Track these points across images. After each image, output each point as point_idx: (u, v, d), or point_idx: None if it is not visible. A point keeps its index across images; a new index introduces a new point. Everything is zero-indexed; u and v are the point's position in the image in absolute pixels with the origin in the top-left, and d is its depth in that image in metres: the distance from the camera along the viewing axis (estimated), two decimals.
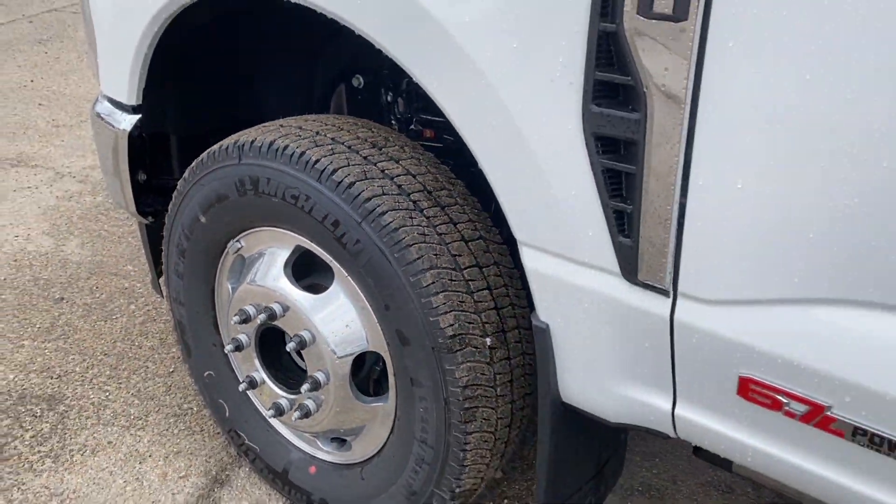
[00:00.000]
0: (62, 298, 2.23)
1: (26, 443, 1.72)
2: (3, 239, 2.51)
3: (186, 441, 1.75)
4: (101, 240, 2.54)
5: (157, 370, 1.96)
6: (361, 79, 1.72)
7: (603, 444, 1.28)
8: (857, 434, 0.84)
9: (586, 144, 0.90)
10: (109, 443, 1.73)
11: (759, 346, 0.87)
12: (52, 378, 1.91)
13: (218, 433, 1.76)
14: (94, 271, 2.37)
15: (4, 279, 2.30)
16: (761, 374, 0.88)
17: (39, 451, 1.70)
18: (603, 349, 1.01)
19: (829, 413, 0.85)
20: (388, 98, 1.68)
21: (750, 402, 0.91)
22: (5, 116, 3.51)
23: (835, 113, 0.74)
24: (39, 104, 3.66)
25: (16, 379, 1.91)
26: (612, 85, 0.87)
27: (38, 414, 1.80)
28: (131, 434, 1.76)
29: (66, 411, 1.81)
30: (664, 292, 0.92)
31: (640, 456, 1.77)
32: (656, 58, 0.82)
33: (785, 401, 0.87)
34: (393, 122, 1.67)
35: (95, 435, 1.75)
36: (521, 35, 0.91)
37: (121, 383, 1.91)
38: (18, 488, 1.60)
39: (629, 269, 0.93)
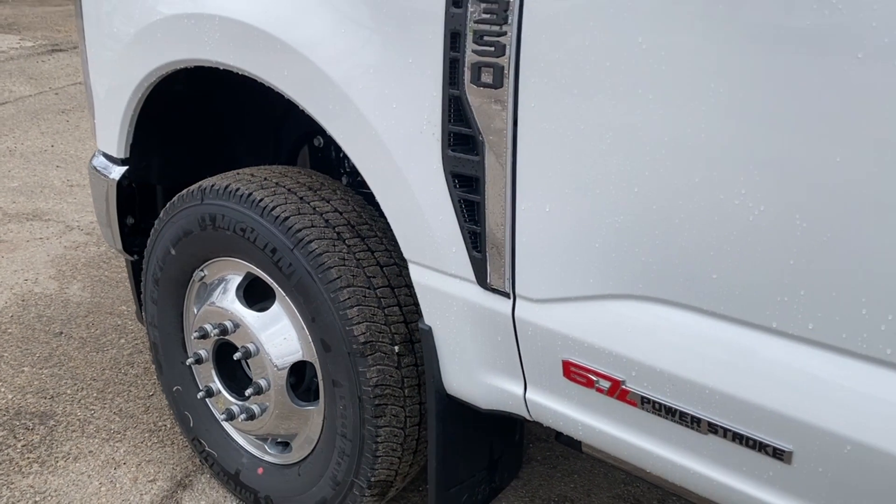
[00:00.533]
0: (61, 332, 2.50)
1: (18, 450, 1.96)
2: (13, 282, 2.80)
3: (158, 452, 1.98)
4: (100, 284, 2.83)
5: (139, 393, 2.21)
6: (321, 139, 2.03)
7: (495, 438, 1.51)
8: (644, 402, 1.08)
9: (446, 181, 1.18)
10: (90, 452, 1.97)
11: (572, 335, 1.12)
12: (45, 398, 2.17)
13: (186, 446, 1.99)
14: (91, 310, 2.64)
15: (12, 315, 2.58)
16: (577, 357, 1.12)
17: (28, 458, 1.94)
18: (470, 345, 1.26)
19: (623, 386, 1.09)
20: (339, 154, 1.97)
21: (572, 381, 1.15)
22: (26, 177, 3.87)
23: (612, 153, 1.01)
24: (57, 166, 4.03)
25: (14, 398, 2.16)
26: (460, 135, 1.14)
27: (31, 427, 2.05)
28: (110, 445, 2.00)
29: (55, 425, 2.06)
30: (506, 295, 1.17)
31: (561, 472, 1.98)
32: (486, 114, 1.10)
33: (595, 378, 1.12)
34: (343, 174, 1.96)
35: (78, 445, 1.99)
36: (399, 98, 1.20)
37: (105, 403, 2.16)
38: (8, 487, 1.84)
39: (482, 277, 1.19)
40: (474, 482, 1.50)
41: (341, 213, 1.51)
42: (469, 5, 1.07)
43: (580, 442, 1.27)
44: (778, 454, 0.96)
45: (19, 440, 2.00)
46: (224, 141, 2.05)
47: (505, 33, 1.04)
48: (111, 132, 1.80)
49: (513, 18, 1.03)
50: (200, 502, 1.83)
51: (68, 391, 2.21)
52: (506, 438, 1.54)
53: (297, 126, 2.06)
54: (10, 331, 2.49)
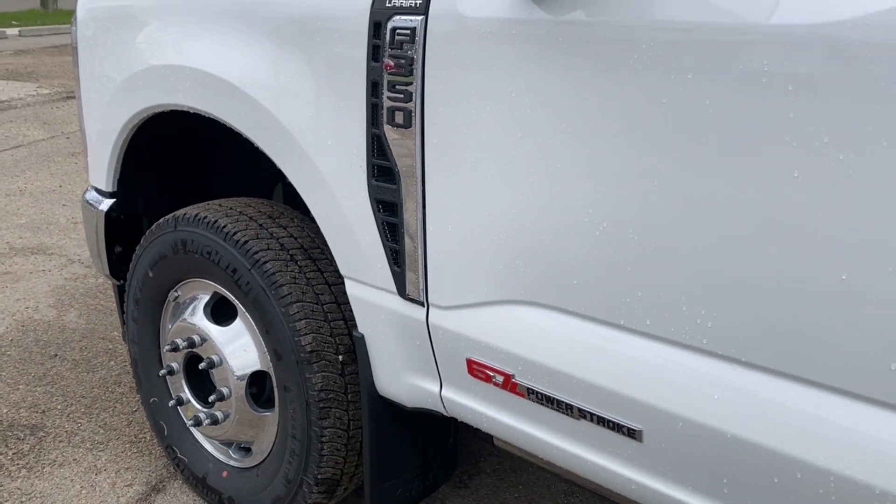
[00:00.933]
0: (56, 355, 2.70)
1: (9, 458, 2.15)
2: (15, 309, 3.01)
3: (136, 460, 2.16)
4: (96, 312, 3.03)
5: (123, 409, 2.39)
6: None
7: (428, 438, 1.68)
8: (530, 393, 1.26)
9: (371, 206, 1.38)
10: (74, 459, 2.15)
11: (473, 336, 1.30)
12: (37, 412, 2.36)
13: (162, 455, 2.17)
14: (85, 335, 2.84)
15: (11, 339, 2.78)
16: (477, 356, 1.31)
17: (18, 464, 2.12)
18: (395, 349, 1.45)
19: (513, 380, 1.27)
20: None
21: (475, 378, 1.33)
22: (33, 214, 4.12)
23: (496, 182, 1.21)
24: (63, 205, 4.28)
25: (8, 412, 2.35)
26: (381, 167, 1.35)
27: (22, 437, 2.23)
28: (93, 454, 2.18)
29: (44, 436, 2.24)
30: (421, 303, 1.37)
31: (507, 483, 2.13)
32: (400, 149, 1.31)
33: (491, 374, 1.30)
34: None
35: (64, 454, 2.17)
36: (333, 136, 1.41)
37: (91, 418, 2.34)
38: None
39: (401, 288, 1.38)
40: (408, 479, 1.67)
41: (296, 238, 1.71)
42: (384, 60, 1.28)
43: (492, 436, 1.44)
44: (631, 433, 1.14)
45: (10, 448, 2.18)
46: (205, 176, 2.28)
47: (411, 83, 1.25)
48: (101, 168, 2.02)
49: (417, 71, 1.24)
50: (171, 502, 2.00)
51: (58, 406, 2.39)
52: (439, 440, 1.72)
53: (272, 164, 2.28)
54: (8, 353, 2.69)
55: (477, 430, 1.46)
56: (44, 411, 2.37)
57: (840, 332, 0.93)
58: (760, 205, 0.96)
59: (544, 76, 1.11)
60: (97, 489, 2.04)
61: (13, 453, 2.16)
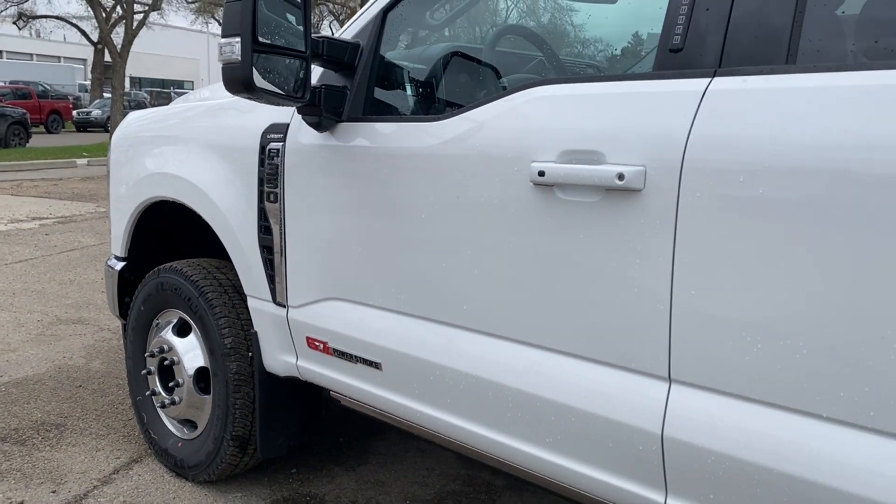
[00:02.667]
0: (80, 386, 3.66)
1: (39, 441, 3.07)
2: (55, 358, 4.02)
3: (126, 444, 3.07)
4: (115, 362, 4.01)
5: (123, 418, 3.32)
6: None
7: (303, 408, 2.57)
8: (336, 353, 2.17)
9: (259, 251, 2.36)
10: (83, 443, 3.07)
11: (309, 322, 2.24)
12: (61, 417, 3.30)
13: (143, 441, 3.07)
14: (105, 375, 3.81)
15: (50, 376, 3.77)
16: (311, 334, 2.24)
17: (45, 444, 3.04)
18: (273, 338, 2.38)
19: (328, 345, 2.19)
20: None
21: (311, 349, 2.25)
22: (78, 297, 5.20)
23: (318, 233, 2.19)
24: (102, 291, 5.37)
25: (41, 416, 3.30)
26: (264, 226, 2.34)
27: (49, 430, 3.17)
28: (96, 441, 3.09)
29: (64, 430, 3.17)
30: (284, 306, 2.31)
31: (377, 462, 2.97)
32: (273, 216, 2.30)
33: (318, 344, 2.22)
34: None
35: (77, 440, 3.09)
36: (241, 209, 2.41)
37: (100, 422, 3.27)
38: (31, 455, 2.94)
39: (274, 298, 2.34)
40: (288, 433, 2.55)
41: (229, 279, 2.69)
42: (265, 166, 2.30)
43: (329, 392, 2.34)
44: (377, 365, 2.05)
45: (41, 436, 3.12)
46: (192, 246, 3.30)
47: (277, 178, 2.26)
48: (118, 241, 3.07)
49: (280, 172, 2.25)
50: (144, 468, 2.89)
51: (77, 414, 3.34)
52: (312, 411, 2.60)
53: None
54: (46, 384, 3.67)
55: (327, 398, 2.36)
56: (66, 417, 3.31)
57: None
58: (400, 230, 1.91)
59: (335, 172, 2.11)
60: (96, 459, 2.94)
61: (41, 438, 3.10)
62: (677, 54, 1.49)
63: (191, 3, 35.36)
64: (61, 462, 2.92)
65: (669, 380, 1.47)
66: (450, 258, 1.84)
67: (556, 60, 2.51)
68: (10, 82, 33.36)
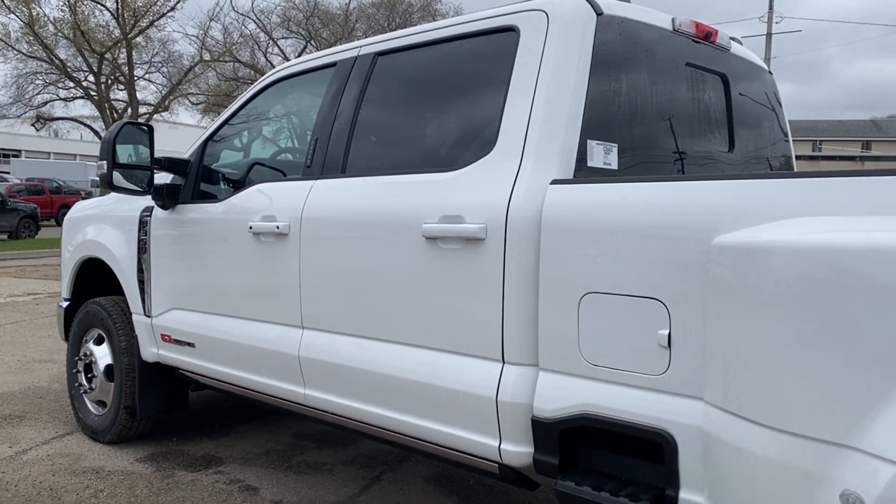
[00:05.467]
0: (41, 397, 5.10)
1: (2, 425, 4.50)
2: (25, 383, 5.46)
3: (64, 427, 4.47)
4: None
5: (67, 414, 4.74)
6: None
7: (171, 388, 4.01)
8: (174, 341, 3.63)
9: (136, 282, 3.86)
10: (35, 426, 4.49)
11: (161, 324, 3.71)
12: (22, 412, 4.73)
13: (75, 422, 4.49)
14: (60, 392, 5.24)
15: (17, 394, 5.21)
16: (164, 331, 3.71)
17: (7, 425, 4.47)
18: (145, 337, 3.85)
19: (171, 336, 3.65)
20: None
21: (164, 340, 3.72)
22: (52, 346, 6.67)
23: (166, 269, 3.69)
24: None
25: (8, 411, 4.73)
26: (139, 267, 3.85)
27: (12, 420, 4.60)
28: (43, 424, 4.51)
29: (24, 419, 4.60)
30: (150, 316, 3.79)
31: (253, 437, 4.37)
32: (145, 261, 3.81)
33: (167, 336, 3.69)
34: None
35: (32, 424, 4.51)
36: (128, 257, 3.93)
37: (49, 416, 4.69)
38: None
39: (146, 312, 3.82)
40: (158, 401, 3.98)
41: (124, 307, 4.17)
42: (141, 231, 3.83)
43: (177, 370, 3.79)
44: (191, 344, 3.51)
45: (7, 421, 4.54)
46: (110, 287, 4.79)
47: (146, 237, 3.79)
48: (65, 287, 4.58)
49: (148, 232, 3.78)
50: (73, 437, 4.30)
51: (34, 412, 4.76)
52: (180, 388, 4.04)
53: None
54: (16, 395, 5.11)
55: (178, 376, 3.81)
56: (26, 413, 4.74)
57: None
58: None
59: (173, 233, 3.63)
60: (41, 432, 4.36)
61: (6, 423, 4.52)
62: (309, 168, 3.03)
63: (196, 104, 38.16)
64: (18, 434, 4.34)
65: (503, 360, 2.94)
66: (224, 276, 3.34)
67: (270, 168, 4.01)
68: (27, 180, 35.76)
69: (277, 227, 2.99)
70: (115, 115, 32.59)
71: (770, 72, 3.29)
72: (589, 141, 2.31)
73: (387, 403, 2.60)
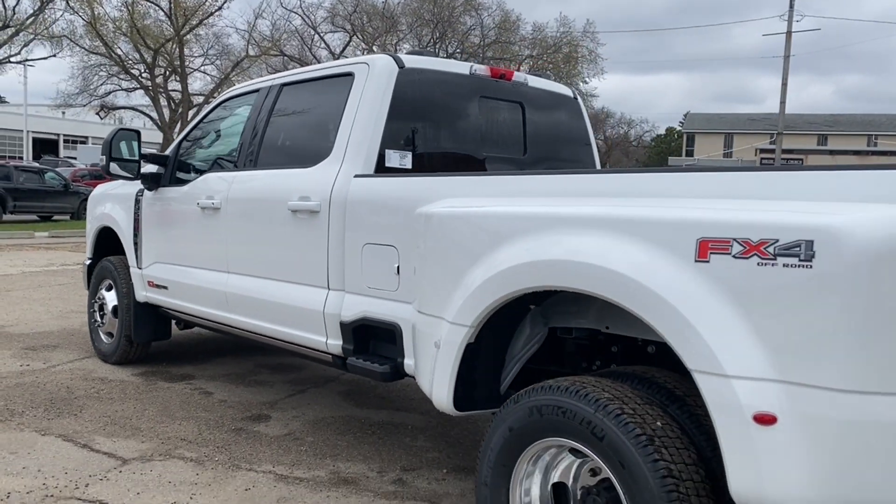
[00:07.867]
0: (72, 335, 6.62)
1: (41, 352, 6.02)
2: (63, 326, 7.00)
3: (84, 352, 5.97)
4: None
5: (89, 345, 6.24)
6: None
7: (157, 323, 5.43)
8: (156, 286, 5.05)
9: (133, 241, 5.30)
10: (65, 351, 5.99)
11: (149, 274, 5.14)
12: (58, 343, 6.24)
13: (92, 350, 5.97)
14: (87, 334, 6.77)
15: (56, 332, 6.75)
16: (149, 279, 5.13)
17: (45, 351, 5.98)
18: (138, 284, 5.28)
19: (154, 283, 5.08)
20: None
21: (149, 286, 5.14)
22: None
23: (154, 234, 5.11)
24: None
25: (48, 342, 6.25)
26: (135, 229, 5.28)
27: (49, 347, 6.11)
28: (70, 350, 6.01)
29: (57, 348, 6.11)
30: (140, 269, 5.22)
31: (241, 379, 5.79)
32: (138, 224, 5.24)
33: (151, 283, 5.11)
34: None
35: (63, 350, 6.02)
36: (127, 227, 5.37)
37: (76, 346, 6.20)
38: (40, 356, 5.88)
39: (137, 265, 5.26)
40: (147, 331, 5.42)
41: (127, 262, 5.64)
42: (136, 205, 5.26)
43: (160, 308, 5.21)
44: (165, 287, 4.92)
45: (45, 348, 6.06)
46: (122, 250, 6.25)
47: (140, 210, 5.21)
48: (88, 248, 6.07)
49: (140, 207, 5.20)
50: (89, 360, 5.78)
51: (65, 343, 6.27)
52: (165, 322, 5.46)
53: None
54: (54, 333, 6.65)
55: (162, 314, 5.23)
56: (59, 343, 6.25)
57: None
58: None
59: (156, 207, 5.04)
60: (68, 354, 5.85)
61: (45, 348, 6.04)
62: (236, 163, 4.39)
63: None
64: (51, 356, 5.85)
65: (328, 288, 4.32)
66: (184, 237, 4.74)
67: (216, 162, 5.33)
68: (91, 165, 38.35)
69: (213, 204, 4.37)
70: (172, 104, 34.78)
71: (575, 97, 4.52)
72: (387, 150, 3.61)
73: (269, 318, 3.96)
